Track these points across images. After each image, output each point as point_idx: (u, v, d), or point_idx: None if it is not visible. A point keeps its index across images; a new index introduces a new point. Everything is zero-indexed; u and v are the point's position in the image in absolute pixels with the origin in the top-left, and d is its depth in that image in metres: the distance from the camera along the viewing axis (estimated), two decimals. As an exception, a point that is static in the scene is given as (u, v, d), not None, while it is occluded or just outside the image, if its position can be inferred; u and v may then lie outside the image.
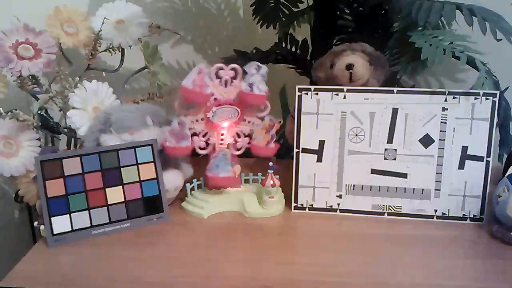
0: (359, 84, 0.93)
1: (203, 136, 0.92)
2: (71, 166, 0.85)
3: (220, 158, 0.91)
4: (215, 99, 0.91)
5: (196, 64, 1.40)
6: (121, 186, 0.88)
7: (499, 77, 0.97)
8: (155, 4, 1.38)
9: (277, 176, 0.92)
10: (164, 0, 1.38)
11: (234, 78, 0.91)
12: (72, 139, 1.14)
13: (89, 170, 0.86)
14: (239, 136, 0.94)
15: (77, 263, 0.77)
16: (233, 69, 0.91)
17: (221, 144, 0.93)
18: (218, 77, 0.91)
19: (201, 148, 0.93)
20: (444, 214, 0.89)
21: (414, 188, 0.89)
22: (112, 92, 1.04)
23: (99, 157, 0.87)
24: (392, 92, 0.88)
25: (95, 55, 1.15)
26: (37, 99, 1.12)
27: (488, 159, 0.87)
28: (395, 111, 0.88)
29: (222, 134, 0.93)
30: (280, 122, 0.94)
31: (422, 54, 0.87)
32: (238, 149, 0.94)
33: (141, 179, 0.90)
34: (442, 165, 0.88)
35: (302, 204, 0.94)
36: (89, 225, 0.85)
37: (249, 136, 0.94)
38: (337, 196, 0.92)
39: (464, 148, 0.87)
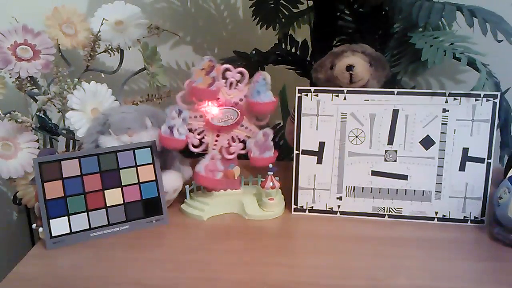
0: (359, 85, 0.93)
1: (198, 134, 0.92)
2: (70, 168, 0.85)
3: (261, 83, 0.89)
4: (217, 99, 0.91)
5: (196, 65, 1.41)
6: (120, 188, 0.88)
7: (500, 78, 0.97)
8: (154, 5, 1.38)
9: (277, 178, 0.92)
10: (163, 1, 1.38)
11: (239, 81, 0.91)
12: (71, 140, 1.14)
13: (87, 172, 0.86)
14: (233, 141, 0.93)
15: (75, 265, 0.77)
16: (240, 72, 0.91)
17: (215, 145, 0.92)
18: (224, 78, 0.90)
19: (194, 146, 0.91)
20: (445, 216, 0.89)
21: (414, 190, 0.89)
22: (111, 94, 1.03)
23: (98, 158, 0.87)
24: (392, 93, 0.88)
25: (94, 56, 1.15)
26: (35, 100, 1.11)
27: (489, 160, 0.86)
28: (395, 113, 0.88)
29: (218, 136, 0.92)
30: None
31: (422, 55, 0.87)
32: (231, 153, 0.93)
33: (140, 181, 0.89)
34: (442, 166, 0.88)
35: (302, 206, 0.93)
36: (88, 227, 0.85)
37: (244, 142, 0.93)
38: (337, 198, 0.92)
39: (465, 150, 0.87)
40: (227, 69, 0.89)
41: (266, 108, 0.90)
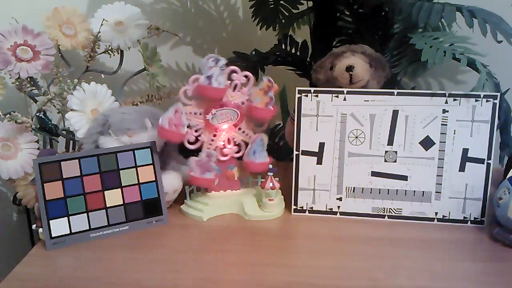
0: (359, 86, 0.93)
1: (196, 131, 0.91)
2: (70, 169, 0.85)
3: (258, 144, 0.91)
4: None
5: (196, 66, 1.41)
6: (119, 189, 0.88)
7: (499, 79, 0.97)
8: (154, 5, 1.38)
9: (277, 179, 0.92)
10: (163, 2, 1.38)
11: (244, 84, 0.91)
12: (71, 141, 1.14)
13: (87, 172, 0.86)
14: (229, 143, 0.93)
15: (75, 266, 0.77)
16: (246, 76, 0.91)
17: (210, 144, 0.92)
18: (229, 79, 0.90)
19: (189, 142, 0.91)
20: (445, 216, 0.89)
21: (414, 191, 0.89)
22: (111, 94, 1.03)
23: (98, 159, 0.87)
24: (392, 94, 0.88)
25: (93, 56, 1.15)
26: (35, 101, 1.11)
27: (489, 161, 0.86)
28: (395, 113, 0.88)
29: (215, 136, 0.92)
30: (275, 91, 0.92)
31: (422, 56, 0.87)
32: (224, 155, 0.93)
33: (140, 181, 0.89)
34: (442, 167, 0.88)
35: (302, 207, 0.93)
36: (88, 228, 0.85)
37: (239, 145, 0.94)
38: (337, 199, 0.92)
39: (465, 150, 0.87)
40: (233, 71, 0.90)
41: (266, 114, 0.91)
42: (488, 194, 0.87)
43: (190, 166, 0.90)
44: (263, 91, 0.90)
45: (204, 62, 0.87)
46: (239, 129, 0.93)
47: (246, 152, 0.92)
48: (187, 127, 0.90)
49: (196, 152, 0.92)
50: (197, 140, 0.91)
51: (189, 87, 0.89)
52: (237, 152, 0.94)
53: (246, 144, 0.93)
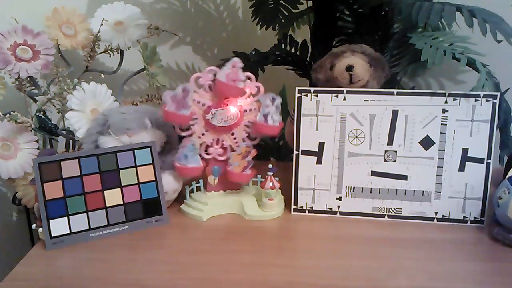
0: (359, 85, 0.93)
1: (217, 144, 0.93)
2: (70, 168, 0.85)
3: (189, 148, 0.90)
4: (208, 106, 0.90)
5: (195, 66, 1.41)
6: (119, 189, 0.88)
7: (499, 79, 0.97)
8: (154, 5, 1.38)
9: (277, 178, 0.92)
10: (162, 1, 1.38)
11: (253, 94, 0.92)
12: (71, 141, 1.14)
13: (87, 172, 0.86)
14: (217, 143, 0.93)
15: (75, 265, 0.77)
16: (210, 71, 0.90)
17: (199, 137, 0.92)
18: (199, 86, 0.90)
19: (220, 155, 0.93)
20: (445, 216, 0.89)
21: (414, 190, 0.89)
22: (111, 94, 1.03)
23: (98, 159, 0.87)
24: (392, 93, 0.88)
25: (93, 56, 1.15)
26: (35, 101, 1.11)
27: (488, 161, 0.86)
28: (395, 113, 0.88)
29: (206, 131, 0.92)
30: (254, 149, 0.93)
31: (422, 56, 0.87)
32: (208, 154, 0.93)
33: (140, 181, 0.89)
34: (442, 167, 0.88)
35: (301, 207, 0.93)
36: (88, 227, 0.85)
37: (225, 149, 0.93)
38: (337, 199, 0.92)
39: (465, 150, 0.87)
40: (248, 78, 0.90)
41: (240, 178, 0.93)
42: (488, 193, 0.87)
43: (165, 101, 0.88)
44: (241, 156, 0.91)
45: (262, 99, 0.90)
46: (232, 134, 0.93)
47: (177, 156, 0.91)
48: (208, 147, 0.92)
49: None
50: (189, 128, 0.92)
51: (203, 75, 0.89)
52: (221, 155, 0.93)
53: (232, 150, 0.93)
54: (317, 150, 0.91)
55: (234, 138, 0.93)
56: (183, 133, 0.91)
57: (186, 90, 0.87)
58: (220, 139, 0.93)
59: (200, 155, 0.92)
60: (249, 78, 0.91)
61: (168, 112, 0.87)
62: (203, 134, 0.92)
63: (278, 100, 0.91)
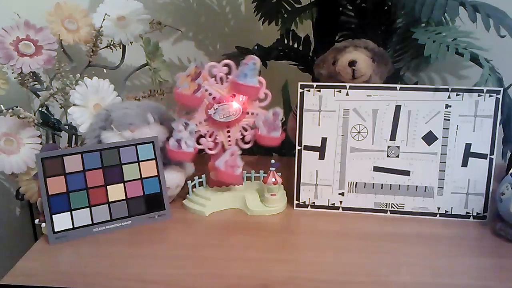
0: (362, 81, 0.93)
1: (210, 137, 0.92)
2: (72, 164, 0.85)
3: (250, 67, 0.89)
4: (213, 98, 0.90)
5: (198, 61, 1.41)
6: (122, 184, 0.88)
7: (502, 74, 0.96)
8: (156, 0, 1.37)
9: (279, 174, 0.92)
10: (165, -4, 1.38)
11: (228, 74, 0.90)
12: (73, 136, 1.14)
13: (90, 167, 0.86)
14: (245, 130, 0.93)
15: (78, 260, 0.77)
16: (226, 65, 0.90)
17: (229, 141, 0.92)
18: (211, 76, 0.90)
19: (210, 149, 0.92)
20: (447, 212, 0.89)
21: (417, 186, 0.89)
22: (113, 89, 1.03)
23: (100, 154, 0.87)
24: (395, 89, 0.87)
25: (96, 51, 1.14)
26: (38, 96, 1.11)
27: (491, 156, 0.86)
28: (398, 108, 0.88)
29: (229, 131, 0.92)
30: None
31: (425, 51, 0.87)
32: (247, 143, 0.93)
33: (142, 176, 0.89)
34: (445, 162, 0.88)
35: (304, 202, 0.93)
36: (90, 222, 0.85)
37: (216, 144, 0.93)
38: (339, 194, 0.92)
39: (468, 146, 0.87)
40: (213, 66, 0.90)
41: (250, 91, 0.90)
42: (491, 189, 0.87)
43: (218, 165, 0.90)
44: (191, 77, 0.87)
45: (174, 125, 0.89)
46: (228, 131, 0.92)
47: (236, 74, 0.89)
48: (201, 136, 0.91)
49: (201, 151, 0.92)
50: (216, 144, 0.92)
51: (218, 65, 0.89)
52: (211, 149, 0.93)
53: (223, 147, 0.93)
54: (319, 146, 0.91)
55: (229, 137, 0.92)
56: (214, 151, 0.92)
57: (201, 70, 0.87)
58: (215, 134, 0.92)
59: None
60: (260, 83, 0.90)
61: (173, 151, 0.89)
62: (200, 123, 0.92)
63: (192, 126, 0.89)
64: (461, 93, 0.85)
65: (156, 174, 0.90)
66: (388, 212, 0.91)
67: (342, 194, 0.92)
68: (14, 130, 1.02)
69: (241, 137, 0.93)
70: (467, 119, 0.86)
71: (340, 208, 0.92)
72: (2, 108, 0.99)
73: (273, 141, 0.92)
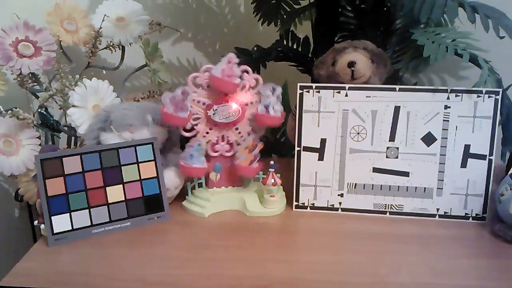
0: (361, 81, 0.93)
1: (194, 120, 0.91)
2: (71, 165, 0.85)
3: (195, 148, 0.90)
4: (207, 105, 0.90)
5: (197, 62, 1.41)
6: (121, 185, 0.88)
7: (501, 75, 0.96)
8: (156, 1, 1.37)
9: (278, 175, 0.92)
10: (164, -3, 1.38)
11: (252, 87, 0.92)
12: (72, 137, 1.14)
13: (89, 168, 0.86)
14: (222, 140, 0.93)
15: (77, 262, 0.77)
16: (256, 79, 0.91)
17: (204, 136, 0.92)
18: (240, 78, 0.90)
19: (185, 130, 0.92)
20: (446, 213, 0.89)
21: (416, 187, 0.89)
22: (112, 90, 1.03)
23: (100, 155, 0.87)
24: (394, 89, 0.88)
25: (95, 52, 1.15)
26: (37, 97, 1.11)
27: (490, 157, 0.86)
28: (397, 109, 0.88)
29: (210, 129, 0.92)
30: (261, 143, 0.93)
31: (424, 52, 0.87)
32: (215, 151, 0.93)
33: (142, 177, 0.89)
34: (444, 163, 0.88)
35: (303, 203, 0.93)
36: (90, 224, 0.85)
37: (231, 145, 0.93)
38: (338, 195, 0.92)
39: (467, 147, 0.87)
40: (245, 71, 0.90)
41: (228, 87, 0.89)
42: (490, 190, 0.87)
43: (164, 102, 0.88)
44: (248, 149, 0.91)
45: (262, 91, 0.89)
46: (236, 128, 0.93)
47: (182, 155, 0.91)
48: (214, 144, 0.92)
49: None
50: (193, 129, 0.92)
51: (200, 75, 0.89)
52: (228, 151, 0.93)
53: (238, 144, 0.93)
54: (318, 147, 0.91)
55: (239, 133, 0.93)
56: (187, 134, 0.91)
57: (186, 92, 0.87)
58: (225, 136, 0.93)
59: (206, 155, 0.92)
60: (246, 72, 0.90)
61: (167, 114, 0.88)
62: (207, 133, 0.92)
63: (279, 90, 0.90)
64: (460, 94, 0.85)
65: (155, 175, 0.90)
66: (387, 213, 0.91)
67: (342, 195, 0.92)
68: (13, 131, 1.02)
69: (250, 128, 0.93)
70: (466, 120, 0.86)
71: (340, 209, 0.92)
72: (1, 109, 0.99)
73: (251, 172, 0.92)
